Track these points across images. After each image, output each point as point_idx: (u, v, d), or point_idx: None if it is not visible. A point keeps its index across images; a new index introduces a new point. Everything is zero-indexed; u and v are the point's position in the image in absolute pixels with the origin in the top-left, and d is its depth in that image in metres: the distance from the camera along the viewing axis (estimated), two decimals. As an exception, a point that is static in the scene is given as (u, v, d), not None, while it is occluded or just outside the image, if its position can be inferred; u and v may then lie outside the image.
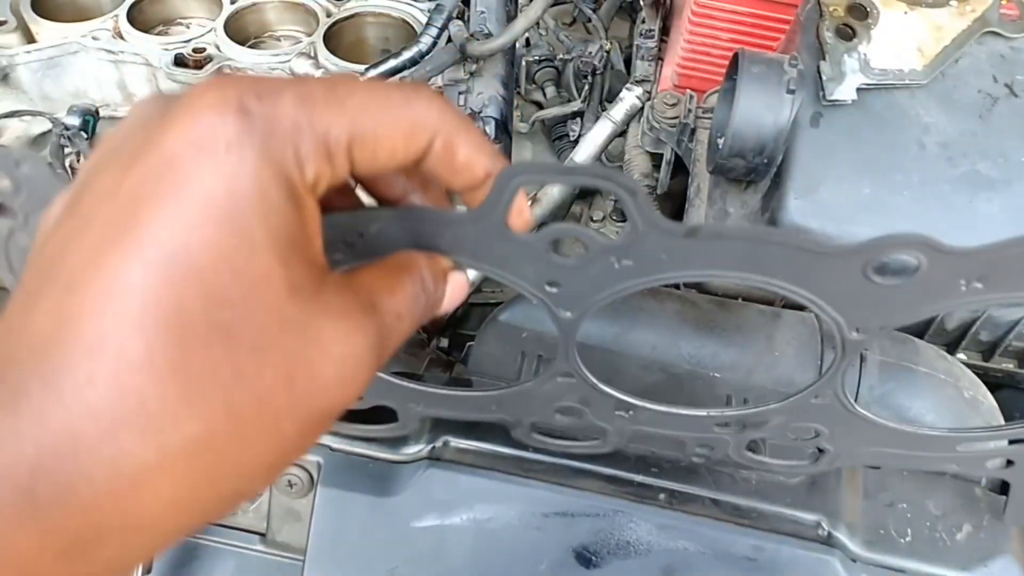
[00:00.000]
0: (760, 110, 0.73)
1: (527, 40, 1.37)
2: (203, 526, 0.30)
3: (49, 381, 0.25)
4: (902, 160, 0.71)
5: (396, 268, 0.35)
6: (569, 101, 1.31)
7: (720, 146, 0.75)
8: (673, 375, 0.65)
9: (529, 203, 1.09)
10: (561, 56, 1.34)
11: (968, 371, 0.69)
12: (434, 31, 0.88)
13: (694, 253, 0.35)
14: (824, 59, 0.71)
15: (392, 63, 0.88)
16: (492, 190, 0.32)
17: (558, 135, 1.30)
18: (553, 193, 1.10)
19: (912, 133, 0.72)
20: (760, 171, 0.76)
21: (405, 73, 0.95)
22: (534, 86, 1.37)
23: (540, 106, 1.36)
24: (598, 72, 1.20)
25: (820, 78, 0.71)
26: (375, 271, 0.34)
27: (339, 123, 0.29)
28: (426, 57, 0.91)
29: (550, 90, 1.34)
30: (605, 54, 1.20)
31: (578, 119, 1.24)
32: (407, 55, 0.88)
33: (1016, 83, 0.74)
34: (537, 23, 1.41)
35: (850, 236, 0.71)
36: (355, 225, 0.36)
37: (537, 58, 1.34)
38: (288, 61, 1.08)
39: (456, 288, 0.38)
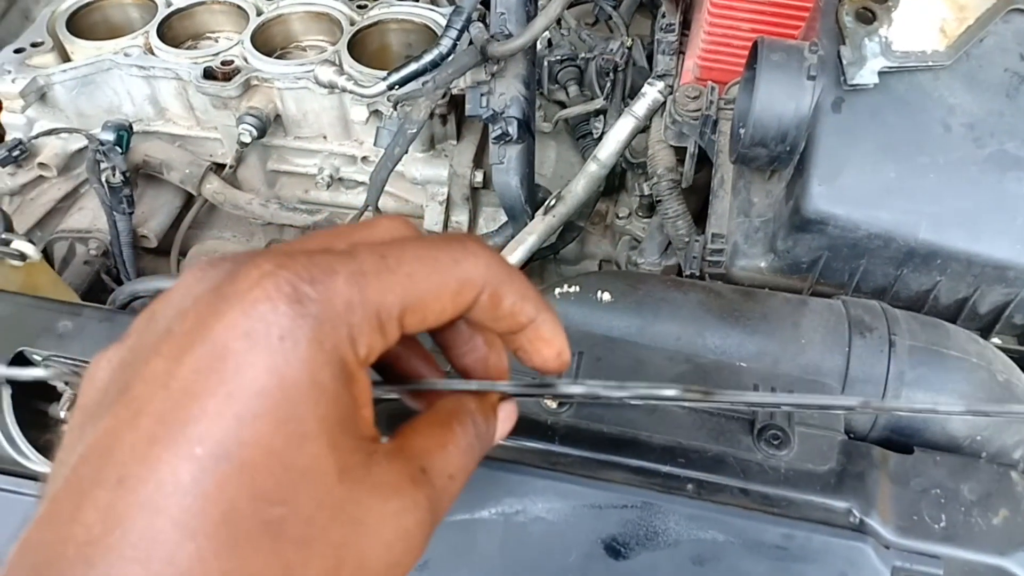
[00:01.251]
0: (781, 98, 0.72)
1: (548, 41, 1.38)
2: None
3: None
4: (927, 142, 0.70)
5: (446, 418, 0.35)
6: (592, 99, 1.31)
7: (742, 136, 0.75)
8: (699, 366, 0.65)
9: (553, 202, 1.10)
10: (583, 55, 1.34)
11: (1002, 354, 0.68)
12: (454, 33, 0.89)
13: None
14: (844, 44, 0.71)
15: (413, 67, 0.90)
16: None
17: (581, 133, 1.31)
18: (577, 191, 1.10)
19: (937, 115, 0.71)
20: (783, 159, 0.75)
21: (427, 76, 0.97)
22: (557, 86, 1.38)
23: (563, 105, 1.36)
24: (620, 69, 1.21)
25: (841, 63, 0.70)
26: (424, 427, 0.34)
27: (391, 295, 0.30)
28: (447, 60, 0.92)
29: (572, 89, 1.35)
30: (627, 51, 1.20)
31: (601, 117, 1.24)
32: (428, 58, 0.89)
33: (1044, 61, 0.73)
34: (559, 23, 1.42)
35: (877, 221, 0.70)
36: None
37: (559, 58, 1.35)
38: (312, 70, 1.10)
39: (507, 419, 0.38)
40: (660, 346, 0.65)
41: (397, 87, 0.92)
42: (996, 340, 0.77)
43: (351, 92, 0.99)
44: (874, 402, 0.42)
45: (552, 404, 0.61)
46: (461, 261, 0.32)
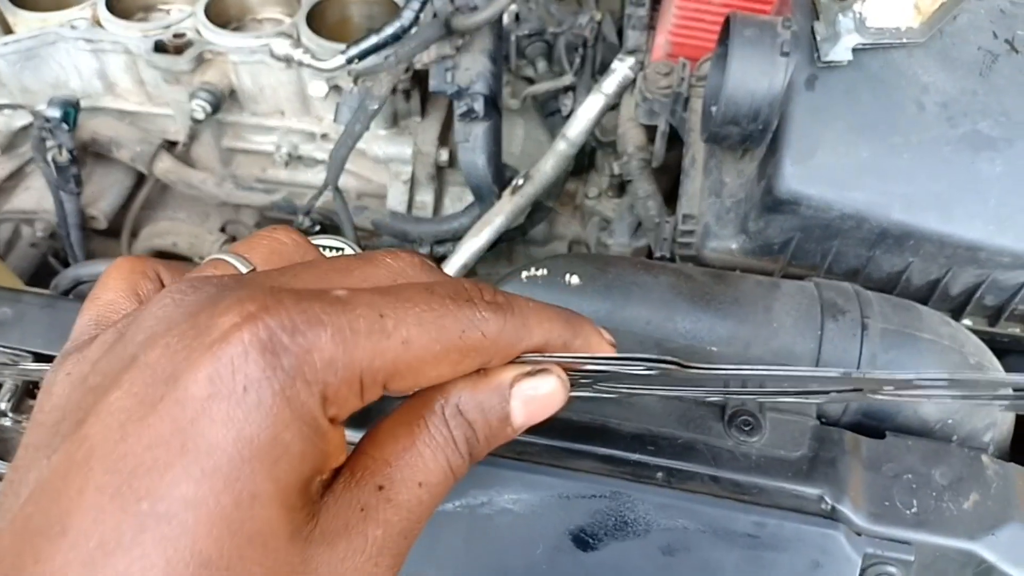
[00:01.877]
0: (754, 74, 0.70)
1: (516, 15, 1.34)
2: None
3: None
4: (901, 121, 0.69)
5: (413, 414, 0.31)
6: (561, 75, 1.28)
7: (713, 114, 0.73)
8: (669, 351, 0.63)
9: (520, 181, 1.07)
10: (551, 29, 1.31)
11: (973, 336, 0.67)
12: (416, 5, 0.85)
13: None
14: (818, 19, 0.69)
15: (373, 40, 0.86)
16: None
17: (550, 111, 1.28)
18: (546, 170, 1.07)
19: (911, 93, 0.70)
20: (755, 138, 0.74)
21: (388, 50, 0.93)
22: (525, 61, 1.35)
23: (531, 82, 1.33)
24: (589, 45, 1.18)
25: (814, 39, 0.68)
26: (386, 430, 0.31)
27: (380, 360, 0.27)
28: (409, 32, 0.89)
29: (541, 65, 1.32)
30: (596, 25, 1.18)
31: (570, 93, 1.22)
32: (389, 31, 0.86)
33: (1017, 39, 0.72)
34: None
35: (850, 201, 0.69)
36: None
37: (527, 32, 1.32)
38: (268, 43, 1.06)
39: (531, 402, 0.33)
40: (630, 330, 0.64)
41: (356, 61, 0.88)
42: (967, 322, 0.77)
43: (308, 66, 0.95)
44: (855, 373, 0.40)
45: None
46: (468, 332, 0.29)
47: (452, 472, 0.31)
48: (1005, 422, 0.67)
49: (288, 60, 0.96)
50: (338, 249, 0.69)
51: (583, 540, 0.58)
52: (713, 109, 0.73)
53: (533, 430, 0.37)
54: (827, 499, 0.59)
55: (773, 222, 0.72)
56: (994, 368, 0.65)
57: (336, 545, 0.28)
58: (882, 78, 0.69)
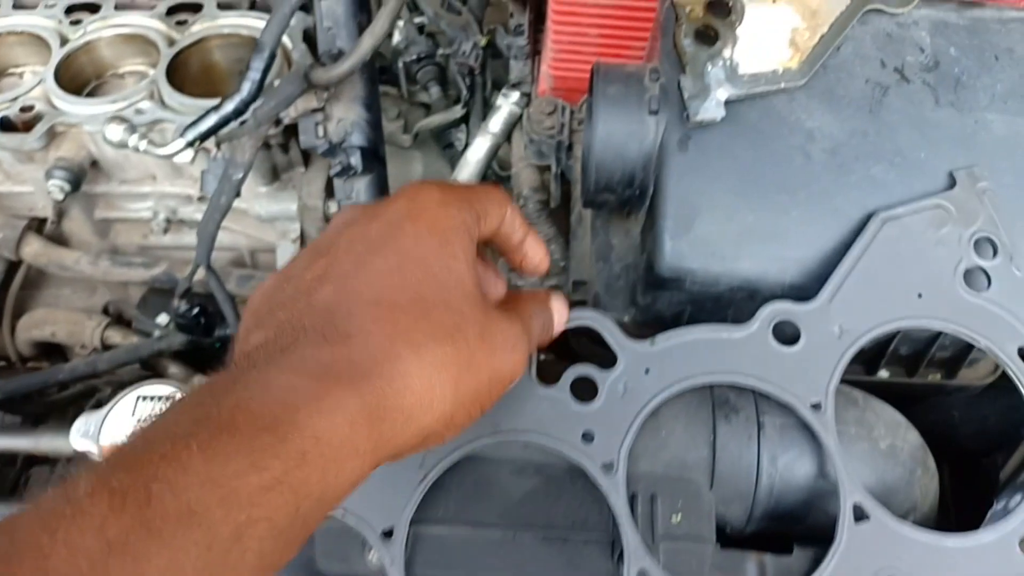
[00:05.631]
0: (621, 137, 0.63)
1: (405, 38, 1.25)
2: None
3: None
4: (785, 176, 0.62)
5: (529, 299, 0.55)
6: (456, 101, 1.20)
7: (585, 181, 0.66)
8: (551, 477, 0.56)
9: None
10: (442, 51, 1.22)
11: (886, 412, 0.61)
12: (256, 75, 0.76)
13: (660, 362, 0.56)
14: (684, 72, 0.61)
15: (214, 119, 0.77)
16: None
17: (447, 142, 1.20)
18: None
19: (794, 142, 0.63)
20: (635, 202, 0.66)
21: (245, 117, 0.84)
22: (417, 86, 1.26)
23: (427, 107, 1.25)
24: (476, 72, 1.09)
25: (682, 96, 0.61)
26: (517, 304, 0.53)
27: (481, 209, 0.50)
28: (259, 99, 0.80)
29: (435, 90, 1.23)
30: (480, 51, 1.09)
31: (464, 126, 1.13)
32: (230, 107, 0.77)
33: (907, 65, 0.65)
34: (418, 11, 1.29)
35: (738, 272, 0.62)
36: None
37: (416, 57, 1.23)
38: (125, 108, 0.96)
39: (561, 308, 0.57)
40: (507, 458, 0.57)
41: (199, 143, 0.79)
42: (884, 373, 0.71)
43: (146, 153, 0.85)
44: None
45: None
46: (502, 202, 0.53)
47: (546, 331, 0.56)
48: (928, 496, 0.61)
49: (123, 147, 0.87)
50: (165, 398, 0.62)
51: None
52: (586, 173, 0.66)
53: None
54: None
55: (660, 297, 0.65)
56: (909, 444, 0.60)
57: (512, 324, 0.49)
58: (761, 129, 0.62)
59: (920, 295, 0.58)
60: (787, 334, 0.57)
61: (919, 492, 0.58)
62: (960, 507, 0.68)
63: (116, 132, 0.85)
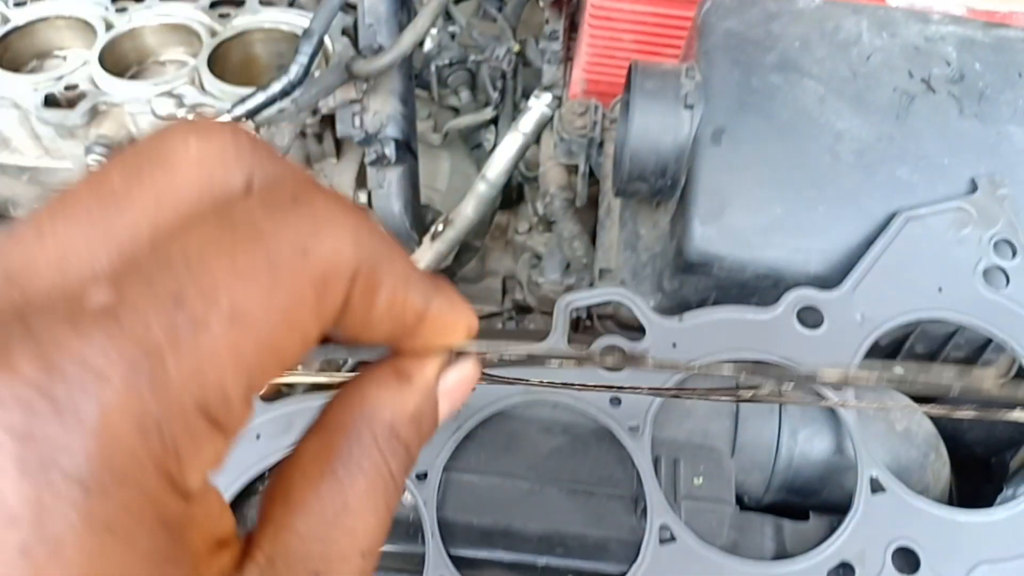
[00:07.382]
0: (657, 129, 0.66)
1: (438, 43, 1.29)
2: None
3: None
4: (814, 173, 0.65)
5: (331, 455, 0.22)
6: (486, 104, 1.23)
7: (620, 170, 0.69)
8: (578, 436, 0.58)
9: (440, 227, 1.02)
10: (473, 57, 1.26)
11: (900, 398, 0.63)
12: (304, 59, 0.79)
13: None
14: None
15: (261, 97, 0.80)
16: None
17: (475, 143, 1.23)
18: (467, 213, 1.02)
19: (824, 142, 0.66)
20: (665, 192, 0.69)
21: (282, 103, 0.87)
22: (448, 90, 1.29)
23: (456, 111, 1.28)
24: (508, 77, 1.13)
25: (718, 90, 0.64)
26: (297, 490, 0.22)
27: (212, 374, 0.18)
28: (300, 86, 0.83)
29: (465, 95, 1.27)
30: (514, 56, 1.13)
31: (493, 127, 1.17)
32: (276, 87, 0.80)
33: (933, 77, 0.68)
34: (451, 20, 1.33)
35: (764, 260, 0.64)
36: None
37: (448, 62, 1.27)
38: (163, 93, 0.99)
39: (464, 381, 0.27)
40: (536, 418, 0.59)
41: (244, 120, 0.82)
42: (898, 369, 0.73)
43: (195, 128, 0.88)
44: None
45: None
46: (312, 249, 0.19)
47: (390, 518, 0.23)
48: (940, 480, 0.63)
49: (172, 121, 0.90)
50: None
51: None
52: (621, 164, 0.69)
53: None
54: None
55: (687, 282, 0.67)
56: (923, 429, 0.62)
57: None
58: (793, 128, 0.65)
59: (940, 289, 0.60)
60: (810, 319, 0.60)
61: (931, 475, 0.60)
62: (966, 503, 0.70)
63: (166, 106, 0.88)
